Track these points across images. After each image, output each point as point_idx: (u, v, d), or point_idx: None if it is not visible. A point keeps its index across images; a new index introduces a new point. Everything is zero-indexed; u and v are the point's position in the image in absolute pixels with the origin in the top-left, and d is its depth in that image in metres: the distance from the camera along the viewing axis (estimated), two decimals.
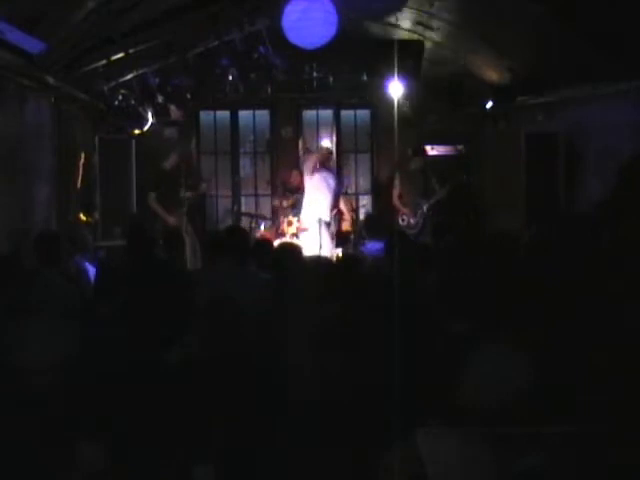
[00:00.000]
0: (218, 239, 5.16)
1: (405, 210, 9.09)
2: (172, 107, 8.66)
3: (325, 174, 8.88)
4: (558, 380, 2.90)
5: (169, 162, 8.91)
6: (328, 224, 8.79)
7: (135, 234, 5.58)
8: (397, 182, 9.28)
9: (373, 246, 7.61)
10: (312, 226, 8.69)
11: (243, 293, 4.07)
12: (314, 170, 8.80)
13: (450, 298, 3.63)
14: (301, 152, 10.84)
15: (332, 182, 8.91)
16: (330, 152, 9.59)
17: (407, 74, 9.40)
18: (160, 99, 7.43)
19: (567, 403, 2.75)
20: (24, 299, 4.19)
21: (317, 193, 8.81)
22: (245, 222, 10.17)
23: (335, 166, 10.27)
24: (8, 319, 3.74)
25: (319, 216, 8.66)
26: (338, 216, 9.43)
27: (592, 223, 4.64)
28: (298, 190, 9.64)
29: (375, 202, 10.96)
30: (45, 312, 3.91)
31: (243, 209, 10.83)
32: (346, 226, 9.98)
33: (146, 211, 9.14)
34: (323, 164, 8.93)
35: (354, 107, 11.05)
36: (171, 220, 8.51)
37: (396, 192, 9.25)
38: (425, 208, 8.99)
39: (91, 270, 5.48)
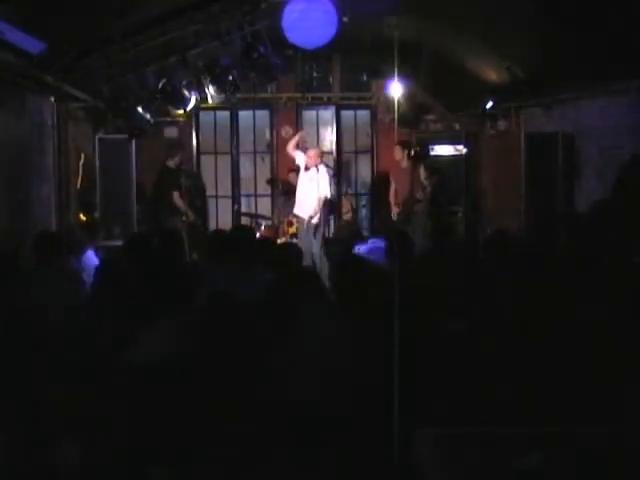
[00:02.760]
0: (220, 238, 5.16)
1: (397, 207, 9.13)
2: (172, 106, 8.67)
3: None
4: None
5: (174, 161, 9.31)
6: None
7: (137, 234, 5.57)
8: (392, 180, 9.31)
9: (374, 243, 7.57)
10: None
11: (244, 292, 4.07)
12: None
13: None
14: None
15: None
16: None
17: (407, 74, 9.40)
18: (160, 99, 7.42)
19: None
20: (23, 298, 4.19)
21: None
22: (245, 222, 10.17)
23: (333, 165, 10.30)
24: (7, 318, 3.75)
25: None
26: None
27: (591, 223, 4.65)
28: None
29: (373, 201, 10.98)
30: (44, 311, 3.90)
31: (243, 209, 10.83)
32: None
33: (145, 210, 9.16)
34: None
35: (354, 107, 11.05)
36: (192, 217, 9.06)
37: (392, 189, 9.28)
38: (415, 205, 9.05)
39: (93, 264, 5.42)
